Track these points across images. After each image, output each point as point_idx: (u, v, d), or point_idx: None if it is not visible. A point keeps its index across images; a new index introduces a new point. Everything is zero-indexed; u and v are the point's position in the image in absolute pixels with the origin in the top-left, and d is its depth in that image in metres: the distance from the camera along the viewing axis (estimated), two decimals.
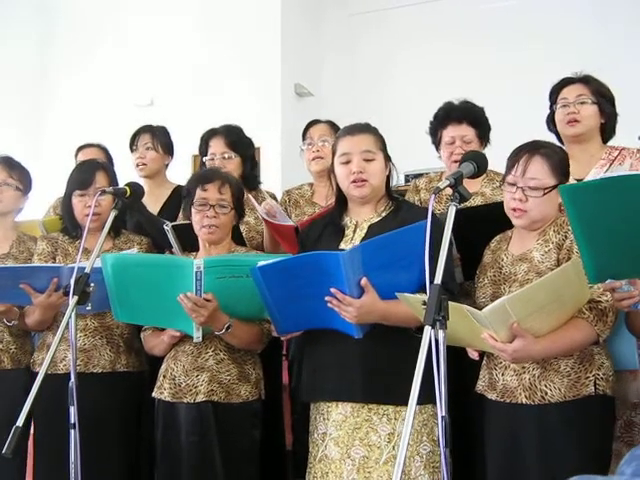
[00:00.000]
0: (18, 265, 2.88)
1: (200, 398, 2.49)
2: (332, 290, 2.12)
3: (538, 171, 2.22)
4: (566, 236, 2.19)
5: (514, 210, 2.25)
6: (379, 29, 6.32)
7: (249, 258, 2.46)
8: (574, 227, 1.81)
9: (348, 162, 2.36)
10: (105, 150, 3.72)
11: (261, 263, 2.21)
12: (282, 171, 5.39)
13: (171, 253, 2.92)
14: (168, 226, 2.81)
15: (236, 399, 2.52)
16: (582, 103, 2.83)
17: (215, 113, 3.98)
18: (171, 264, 2.43)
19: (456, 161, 2.82)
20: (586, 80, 2.88)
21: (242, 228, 3.06)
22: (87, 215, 2.74)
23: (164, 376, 2.59)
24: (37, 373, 2.69)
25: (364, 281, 2.13)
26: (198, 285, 2.33)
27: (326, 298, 2.14)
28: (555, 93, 2.93)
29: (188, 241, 2.74)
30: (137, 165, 3.55)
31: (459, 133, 2.89)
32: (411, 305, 2.05)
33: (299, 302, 2.22)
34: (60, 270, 2.63)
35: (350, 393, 2.26)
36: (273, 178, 3.94)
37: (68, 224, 2.88)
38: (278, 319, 2.34)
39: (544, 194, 2.20)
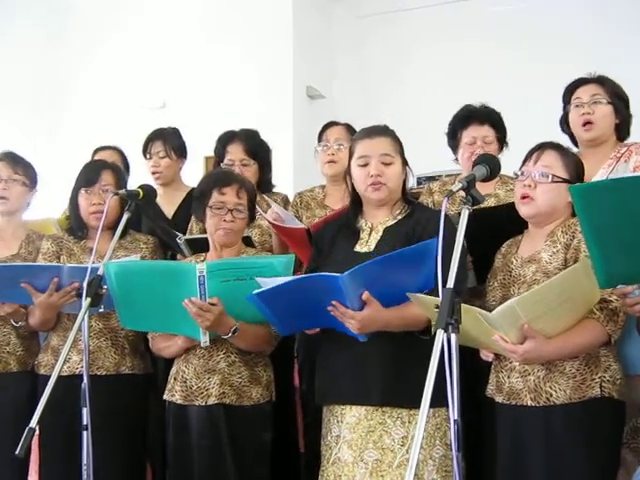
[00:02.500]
0: (18, 264, 2.86)
1: (212, 401, 2.48)
2: (333, 302, 2.11)
3: (550, 161, 2.26)
4: (574, 236, 2.20)
5: (522, 198, 2.26)
6: (389, 31, 6.32)
7: (252, 260, 2.46)
8: (584, 229, 1.81)
9: (366, 165, 2.35)
10: (121, 153, 3.74)
11: (258, 289, 2.18)
12: (294, 173, 5.39)
13: (183, 257, 2.94)
14: (181, 239, 2.82)
15: (247, 401, 2.52)
16: (596, 103, 2.79)
17: (227, 115, 4.00)
18: (174, 270, 2.43)
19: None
20: (601, 80, 2.84)
21: (254, 232, 3.06)
22: (92, 213, 2.77)
23: (175, 378, 2.59)
24: (41, 375, 2.74)
25: (366, 295, 2.11)
26: (202, 290, 2.32)
27: (328, 308, 2.13)
28: (569, 93, 2.90)
29: (202, 251, 2.74)
30: (153, 174, 3.56)
31: (481, 133, 2.91)
32: (423, 306, 2.04)
33: (302, 313, 2.22)
34: (61, 270, 2.62)
35: (366, 396, 2.25)
36: (285, 180, 3.94)
37: (74, 223, 2.88)
38: (279, 326, 2.36)
39: (553, 181, 2.22)
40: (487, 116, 2.94)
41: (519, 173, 2.31)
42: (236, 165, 3.24)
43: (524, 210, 2.29)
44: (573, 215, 2.23)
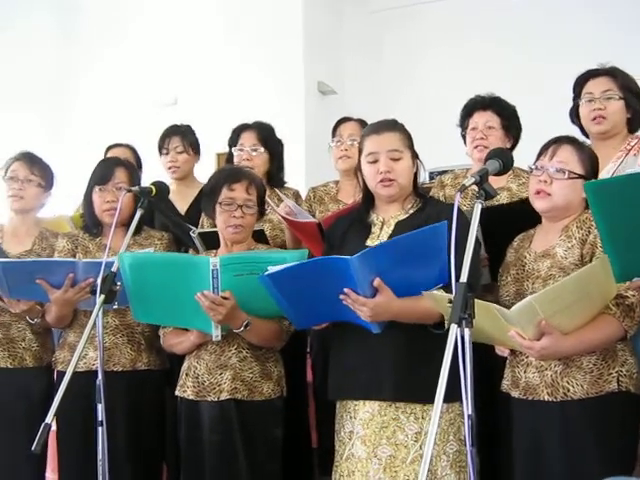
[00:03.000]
0: (33, 259, 2.88)
1: (224, 396, 2.49)
2: (345, 290, 2.11)
3: (566, 157, 2.24)
4: (589, 231, 2.19)
5: (537, 193, 2.24)
6: (401, 26, 6.31)
7: (265, 255, 2.46)
8: (599, 225, 1.80)
9: (375, 161, 2.34)
10: (133, 150, 3.75)
11: (269, 271, 2.19)
12: (306, 169, 5.40)
13: (196, 252, 2.94)
14: (195, 233, 2.83)
15: (259, 397, 2.52)
16: (609, 99, 2.76)
17: (239, 112, 4.00)
18: (187, 263, 2.43)
19: (477, 146, 2.88)
20: (612, 73, 2.80)
21: (265, 226, 3.07)
22: (106, 210, 2.78)
23: (187, 374, 2.59)
24: (59, 372, 2.77)
25: (377, 282, 2.10)
26: (215, 283, 2.32)
27: (340, 297, 2.13)
28: (579, 86, 2.86)
29: (214, 246, 2.75)
30: (169, 168, 3.58)
31: (483, 119, 2.92)
32: (437, 302, 2.04)
33: (314, 300, 2.22)
34: (76, 265, 2.63)
35: (378, 391, 2.25)
36: (297, 176, 3.94)
37: (89, 221, 2.89)
38: (293, 316, 2.35)
39: (569, 178, 2.20)
40: (491, 102, 2.95)
41: (534, 167, 2.29)
42: (246, 150, 3.26)
43: (539, 204, 2.27)
44: (586, 208, 2.22)
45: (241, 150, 3.30)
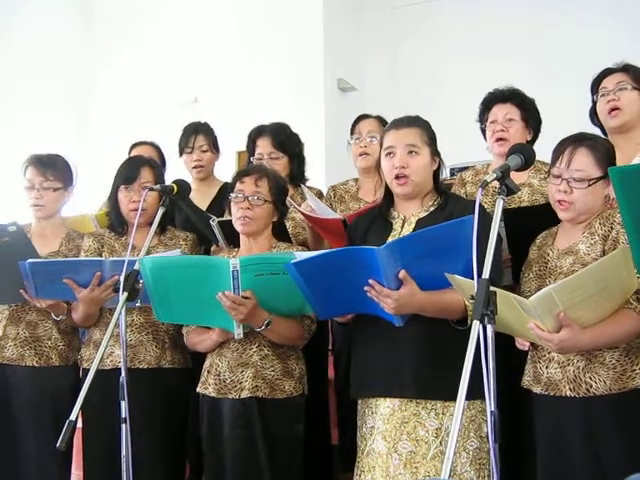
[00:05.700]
0: (60, 259, 2.89)
1: (245, 394, 2.50)
2: (370, 281, 2.11)
3: (583, 162, 2.21)
4: (612, 227, 2.18)
5: (559, 203, 2.23)
6: (421, 23, 6.30)
7: (285, 256, 2.45)
8: (623, 212, 1.80)
9: (392, 156, 2.35)
10: (158, 148, 3.76)
11: (296, 258, 2.21)
12: (326, 166, 5.39)
13: (218, 247, 2.95)
14: (214, 221, 2.85)
15: (280, 394, 2.53)
16: (621, 90, 2.78)
17: (259, 109, 4.01)
18: (207, 265, 2.44)
19: (498, 139, 2.90)
20: (626, 68, 2.83)
21: (288, 224, 3.07)
22: (132, 210, 2.78)
23: (208, 372, 2.61)
24: (84, 369, 2.79)
25: (402, 274, 2.10)
26: (235, 284, 2.34)
27: (365, 288, 2.13)
28: (596, 84, 2.89)
29: (234, 236, 2.76)
30: (194, 167, 3.59)
31: (502, 111, 2.94)
32: (460, 288, 2.03)
33: (338, 291, 2.22)
34: (103, 264, 2.65)
35: (400, 388, 2.25)
36: (317, 173, 3.94)
37: (114, 220, 2.91)
38: (317, 306, 2.36)
39: (589, 185, 2.19)
40: (510, 95, 2.97)
41: (555, 174, 2.25)
42: (265, 159, 3.26)
43: (563, 215, 2.26)
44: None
45: (260, 160, 3.28)
